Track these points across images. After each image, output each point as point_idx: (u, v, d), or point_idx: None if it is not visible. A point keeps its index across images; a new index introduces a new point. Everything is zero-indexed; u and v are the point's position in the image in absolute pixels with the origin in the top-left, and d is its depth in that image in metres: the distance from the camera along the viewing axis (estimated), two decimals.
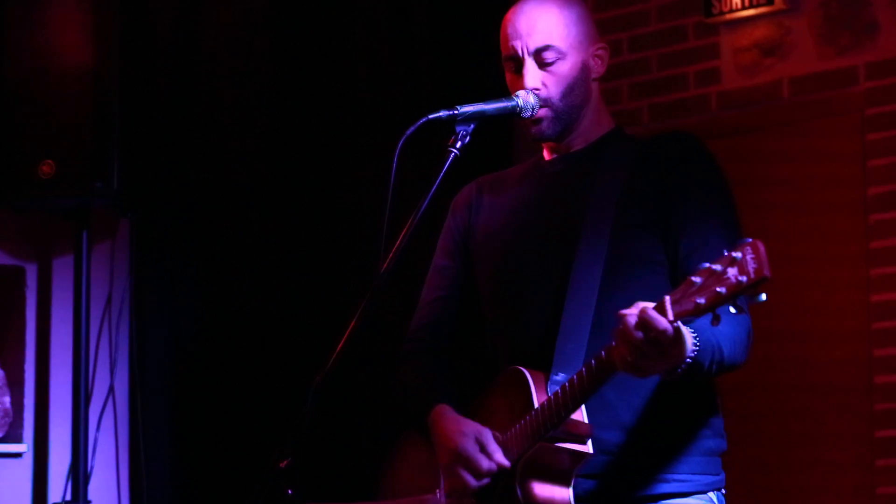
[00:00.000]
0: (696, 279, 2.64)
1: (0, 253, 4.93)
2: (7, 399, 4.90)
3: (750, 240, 2.59)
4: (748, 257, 2.57)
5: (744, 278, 2.57)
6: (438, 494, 3.16)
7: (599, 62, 3.24)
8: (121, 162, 4.72)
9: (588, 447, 2.98)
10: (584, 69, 3.20)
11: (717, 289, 2.60)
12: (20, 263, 4.99)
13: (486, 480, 3.05)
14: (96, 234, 4.97)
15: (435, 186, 2.99)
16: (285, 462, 2.80)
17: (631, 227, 3.09)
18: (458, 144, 3.03)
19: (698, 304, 2.64)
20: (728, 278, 2.59)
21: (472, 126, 3.05)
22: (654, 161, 3.15)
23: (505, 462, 3.04)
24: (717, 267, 2.61)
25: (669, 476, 3.06)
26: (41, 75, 4.72)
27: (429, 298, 3.38)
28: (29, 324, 4.99)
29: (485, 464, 3.04)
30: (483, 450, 3.05)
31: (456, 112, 3.04)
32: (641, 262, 3.09)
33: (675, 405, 3.06)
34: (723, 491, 3.14)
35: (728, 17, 5.41)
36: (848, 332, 5.13)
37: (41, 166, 4.69)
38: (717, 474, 3.13)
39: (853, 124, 5.16)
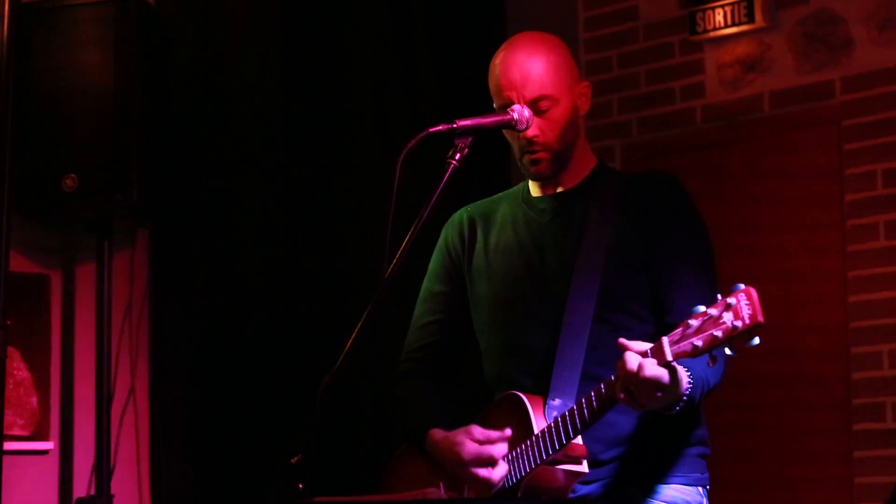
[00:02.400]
0: (693, 322, 2.66)
1: (26, 262, 4.92)
2: (34, 399, 4.89)
3: (742, 286, 2.62)
4: (742, 304, 2.60)
5: (739, 323, 2.60)
6: (441, 487, 3.16)
7: (585, 100, 3.25)
8: (140, 175, 4.71)
9: (584, 467, 3.00)
10: (574, 109, 3.22)
11: (714, 332, 2.63)
12: (45, 271, 4.98)
13: (504, 466, 3.04)
14: (117, 243, 4.95)
15: (435, 196, 2.99)
16: (296, 458, 2.79)
17: (620, 265, 3.11)
18: (458, 156, 3.03)
19: (696, 347, 2.66)
20: (724, 323, 2.61)
21: (470, 139, 3.04)
22: (636, 203, 3.17)
23: (506, 433, 3.04)
24: (714, 311, 2.63)
25: (662, 479, 3.10)
26: (64, 94, 4.71)
27: (423, 321, 3.39)
28: (54, 328, 4.98)
29: (495, 450, 3.04)
30: (484, 442, 3.05)
31: (455, 126, 3.04)
32: (630, 297, 3.11)
33: (664, 424, 3.06)
34: (707, 487, 3.18)
35: (711, 34, 5.41)
36: (827, 330, 5.13)
37: (65, 180, 4.68)
38: (703, 473, 3.18)
39: (830, 135, 5.16)
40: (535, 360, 3.12)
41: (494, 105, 3.20)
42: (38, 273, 4.96)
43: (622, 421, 3.08)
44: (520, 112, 3.14)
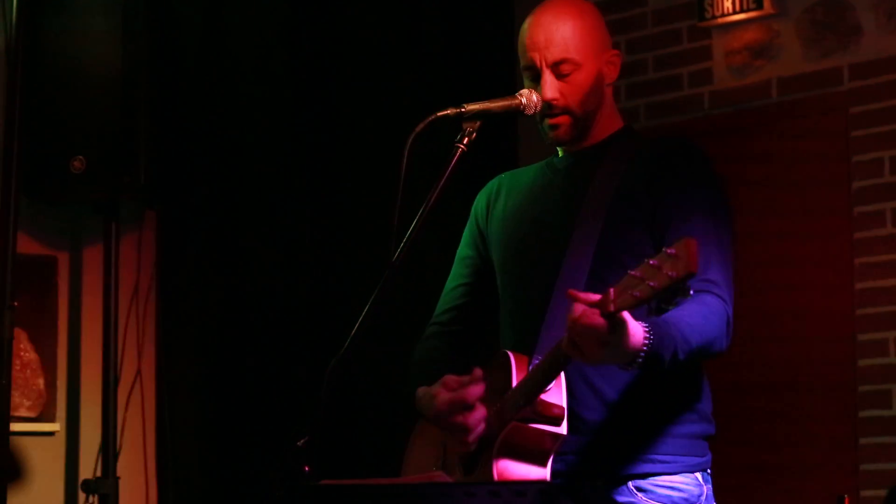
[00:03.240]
0: (636, 273, 2.61)
1: (34, 244, 4.92)
2: (41, 381, 4.90)
3: (686, 237, 2.56)
4: (680, 254, 2.55)
5: (673, 273, 2.54)
6: (444, 468, 3.15)
7: (613, 68, 3.20)
8: (147, 158, 4.71)
9: (562, 429, 2.92)
10: (599, 76, 3.16)
11: (650, 283, 2.57)
12: (53, 253, 4.99)
13: (481, 409, 2.98)
14: (124, 225, 4.96)
15: (443, 181, 2.97)
16: (303, 441, 2.79)
17: (622, 222, 3.05)
18: (465, 141, 3.01)
19: (635, 297, 2.60)
20: (662, 273, 2.56)
21: (478, 123, 3.03)
22: (649, 160, 3.11)
23: (476, 373, 2.98)
24: (654, 262, 2.58)
25: (654, 456, 3.01)
26: (72, 76, 4.71)
27: (451, 286, 3.36)
28: (61, 310, 4.99)
29: (468, 394, 2.97)
30: (457, 389, 2.99)
31: (462, 110, 3.02)
32: (630, 254, 3.01)
33: (657, 391, 3.01)
34: (708, 471, 3.07)
35: (720, 21, 5.39)
36: (833, 317, 5.12)
37: (73, 162, 4.68)
38: (703, 456, 3.07)
39: (838, 122, 5.15)
40: (530, 319, 3.08)
41: (521, 64, 3.17)
42: (46, 255, 4.97)
43: (605, 385, 3.01)
44: (528, 97, 3.11)
